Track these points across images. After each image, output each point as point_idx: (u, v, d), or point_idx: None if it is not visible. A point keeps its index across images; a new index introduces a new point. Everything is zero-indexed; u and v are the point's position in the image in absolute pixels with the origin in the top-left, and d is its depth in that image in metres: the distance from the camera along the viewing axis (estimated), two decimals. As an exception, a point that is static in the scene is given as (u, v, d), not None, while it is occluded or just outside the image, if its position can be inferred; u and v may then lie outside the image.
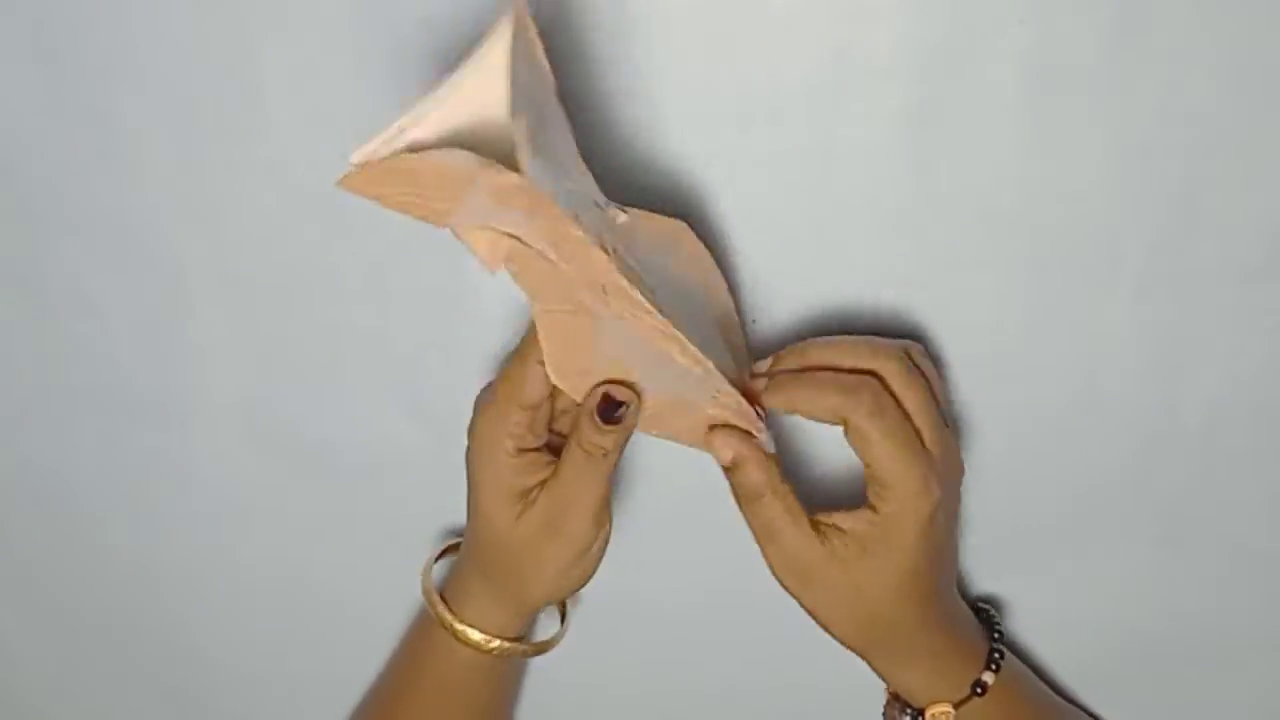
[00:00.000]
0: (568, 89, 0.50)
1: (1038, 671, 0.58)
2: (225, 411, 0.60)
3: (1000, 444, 0.54)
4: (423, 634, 0.57)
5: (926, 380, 0.48)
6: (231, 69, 0.51)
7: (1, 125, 0.54)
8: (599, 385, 0.48)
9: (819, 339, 0.50)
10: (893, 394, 0.47)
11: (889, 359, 0.48)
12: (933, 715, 0.51)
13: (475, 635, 0.54)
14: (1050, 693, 0.57)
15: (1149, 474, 0.55)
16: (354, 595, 0.63)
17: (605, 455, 0.49)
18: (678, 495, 0.57)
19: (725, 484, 0.49)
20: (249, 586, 0.64)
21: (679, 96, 0.49)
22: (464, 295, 0.55)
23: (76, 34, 0.52)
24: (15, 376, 0.61)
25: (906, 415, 0.47)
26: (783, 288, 0.53)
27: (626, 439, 0.49)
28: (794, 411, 0.48)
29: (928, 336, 0.53)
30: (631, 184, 0.51)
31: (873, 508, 0.47)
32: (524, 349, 0.49)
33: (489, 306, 0.55)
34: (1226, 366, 0.52)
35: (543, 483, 0.51)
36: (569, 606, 0.59)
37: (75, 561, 0.65)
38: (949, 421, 0.50)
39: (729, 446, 0.48)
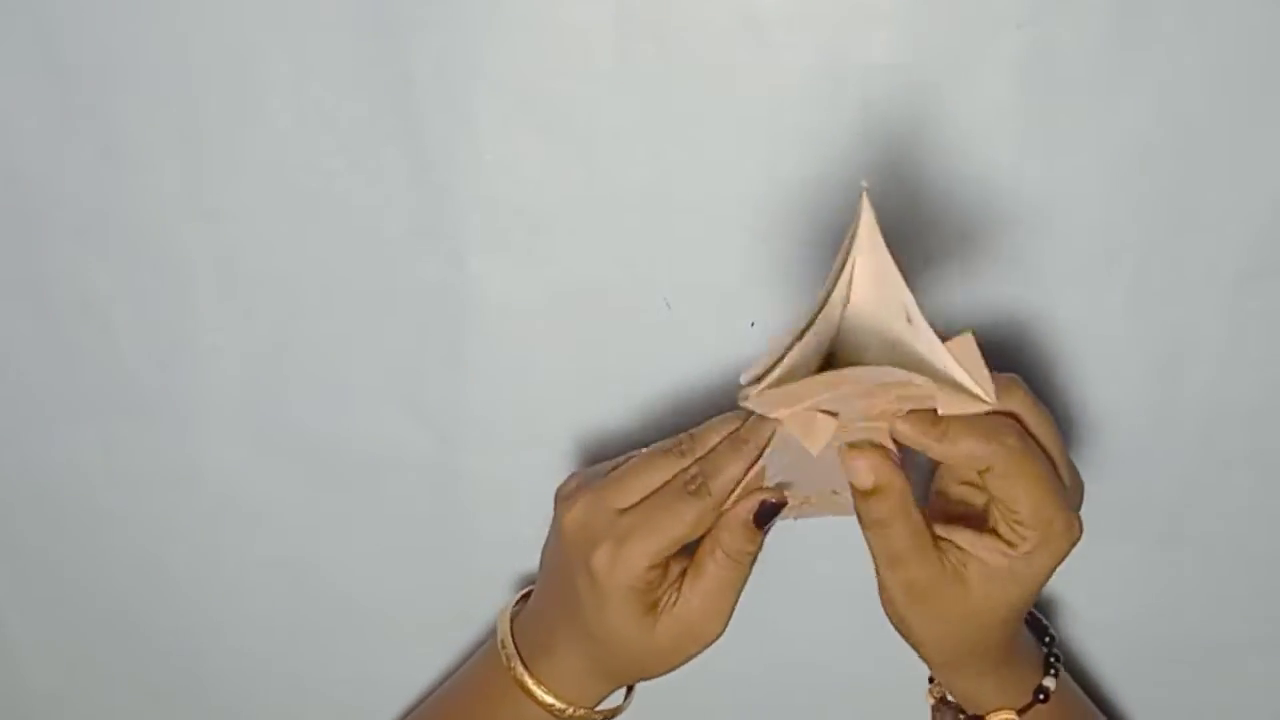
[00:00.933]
0: (567, 87, 0.50)
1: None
2: (229, 412, 0.60)
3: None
4: (491, 677, 0.55)
5: (1051, 412, 0.46)
6: (234, 74, 0.52)
7: (7, 130, 0.54)
8: (753, 492, 0.47)
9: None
10: (1029, 431, 0.45)
11: (1016, 393, 0.45)
12: None
13: (553, 701, 0.52)
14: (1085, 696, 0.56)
15: (1145, 475, 0.55)
16: (357, 595, 0.63)
17: (750, 558, 0.48)
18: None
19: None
20: (253, 586, 0.64)
21: (676, 100, 0.50)
22: (467, 297, 0.55)
23: (82, 41, 0.52)
24: (22, 377, 0.60)
25: (1045, 452, 0.45)
26: (780, 290, 0.53)
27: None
28: (929, 454, 0.45)
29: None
30: (630, 188, 0.51)
31: (1009, 543, 0.45)
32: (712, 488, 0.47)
33: (491, 308, 0.55)
34: (1222, 367, 0.52)
35: (674, 585, 0.49)
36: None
37: (80, 560, 0.65)
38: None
39: (871, 470, 0.45)
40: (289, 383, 0.58)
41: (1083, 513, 0.55)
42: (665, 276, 0.53)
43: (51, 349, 0.60)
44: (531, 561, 0.60)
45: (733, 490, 0.46)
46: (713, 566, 0.48)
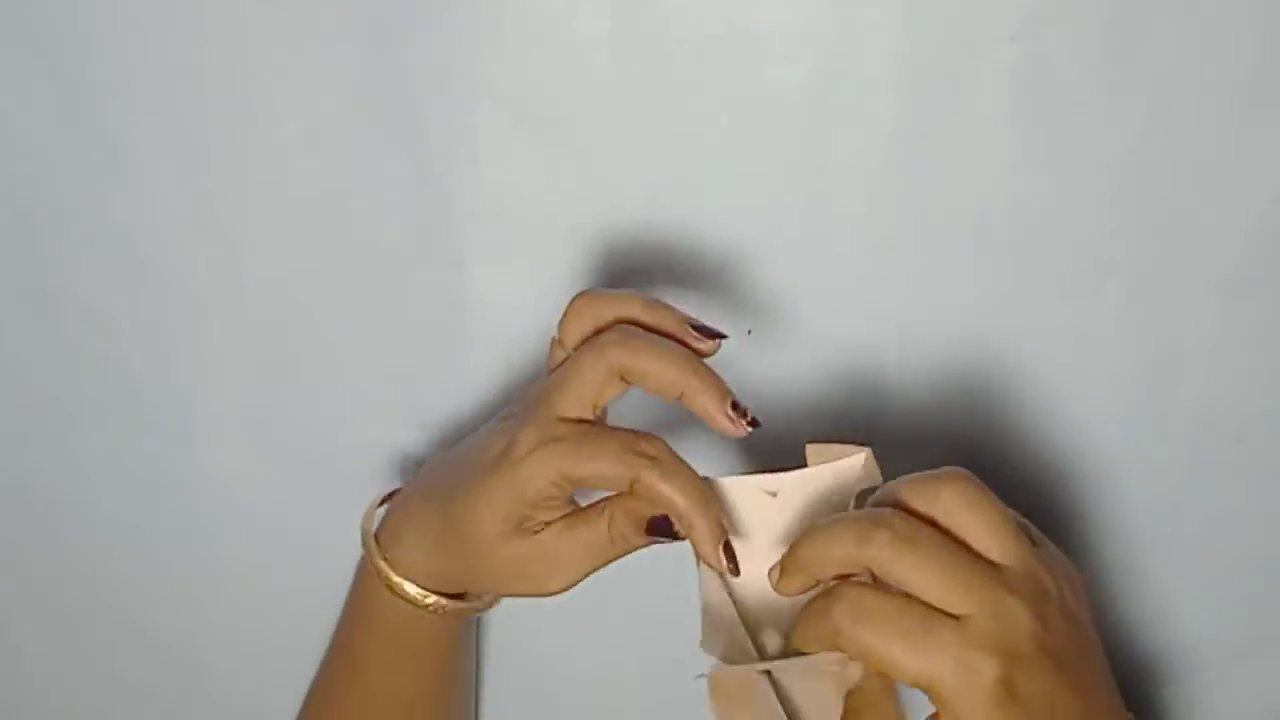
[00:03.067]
0: (566, 99, 0.50)
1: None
2: (230, 421, 0.60)
3: (990, 451, 0.55)
4: (359, 582, 0.53)
5: (938, 533, 0.39)
6: (238, 86, 0.52)
7: (14, 140, 0.55)
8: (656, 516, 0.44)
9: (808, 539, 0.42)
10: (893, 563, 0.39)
11: (873, 537, 0.39)
12: None
13: (416, 592, 0.50)
14: None
15: (1136, 480, 0.55)
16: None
17: (624, 549, 0.46)
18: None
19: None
20: (255, 591, 0.64)
21: (674, 111, 0.50)
22: (466, 306, 0.55)
23: (87, 53, 0.52)
24: (27, 385, 0.61)
25: (907, 596, 0.38)
26: (777, 299, 0.53)
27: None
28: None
29: (917, 346, 0.53)
30: (628, 197, 0.52)
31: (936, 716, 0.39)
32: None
33: (490, 317, 0.55)
34: (1212, 374, 0.52)
35: (548, 524, 0.46)
36: None
37: (84, 565, 0.65)
38: (1032, 538, 0.42)
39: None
40: (291, 390, 0.58)
41: (1070, 518, 0.56)
42: (663, 284, 0.53)
43: (57, 357, 0.60)
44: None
45: (671, 495, 0.44)
46: (589, 528, 0.45)
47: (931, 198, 0.50)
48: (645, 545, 0.45)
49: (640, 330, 0.46)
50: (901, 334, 0.53)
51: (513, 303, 0.55)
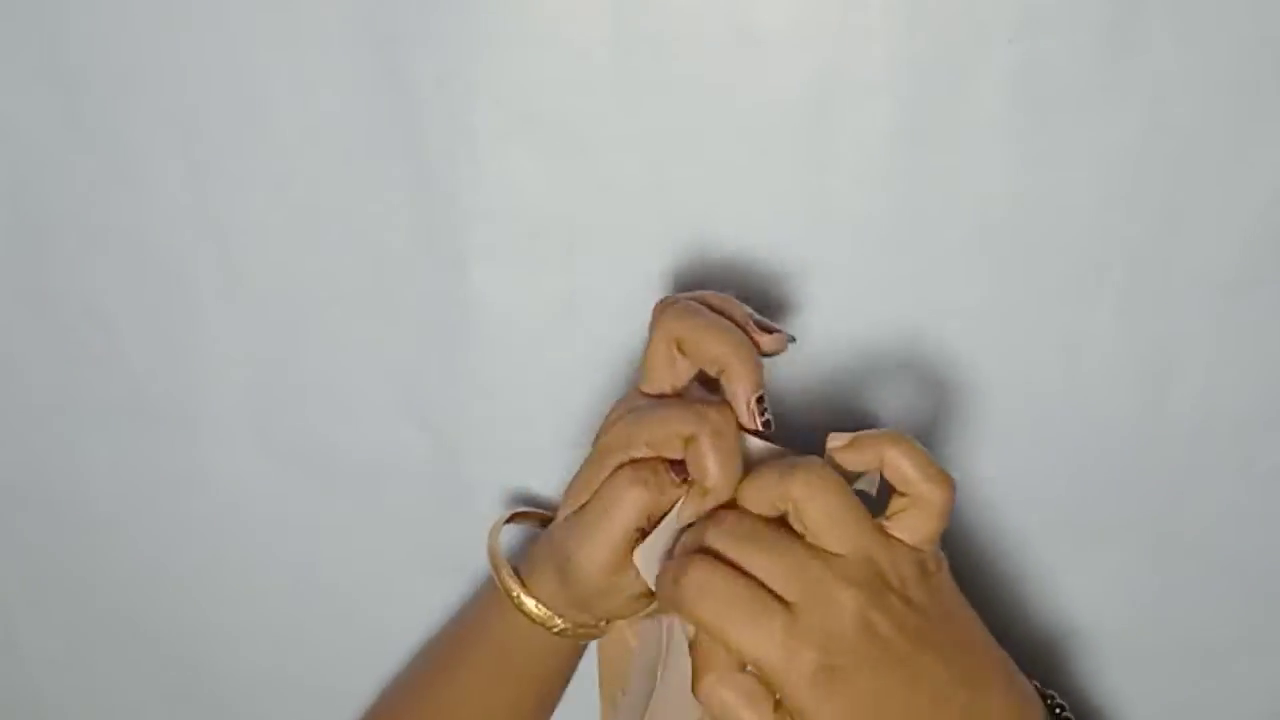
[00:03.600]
0: (566, 101, 0.51)
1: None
2: (233, 419, 0.60)
3: (987, 452, 0.55)
4: (487, 602, 0.54)
5: (776, 523, 0.42)
6: (240, 88, 0.52)
7: (16, 141, 0.55)
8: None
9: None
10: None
11: (712, 528, 0.42)
12: None
13: (539, 611, 0.50)
14: None
15: (1134, 480, 0.55)
16: (360, 599, 0.64)
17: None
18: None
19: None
20: (256, 590, 0.64)
21: (674, 113, 0.50)
22: (468, 305, 0.55)
23: (90, 54, 0.52)
24: (30, 384, 0.61)
25: (745, 575, 0.41)
26: (774, 300, 0.53)
27: None
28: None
29: (917, 347, 0.53)
30: (628, 199, 0.52)
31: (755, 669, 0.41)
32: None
33: (492, 317, 0.55)
34: (1209, 374, 0.52)
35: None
36: None
37: (88, 565, 0.66)
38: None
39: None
40: (293, 390, 0.58)
41: (1067, 518, 0.56)
42: (663, 285, 0.53)
43: (59, 357, 0.60)
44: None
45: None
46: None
47: (930, 198, 0.50)
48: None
49: (702, 307, 0.46)
50: (899, 334, 0.53)
51: (513, 303, 0.55)
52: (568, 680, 0.57)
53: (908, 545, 0.42)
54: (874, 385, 0.54)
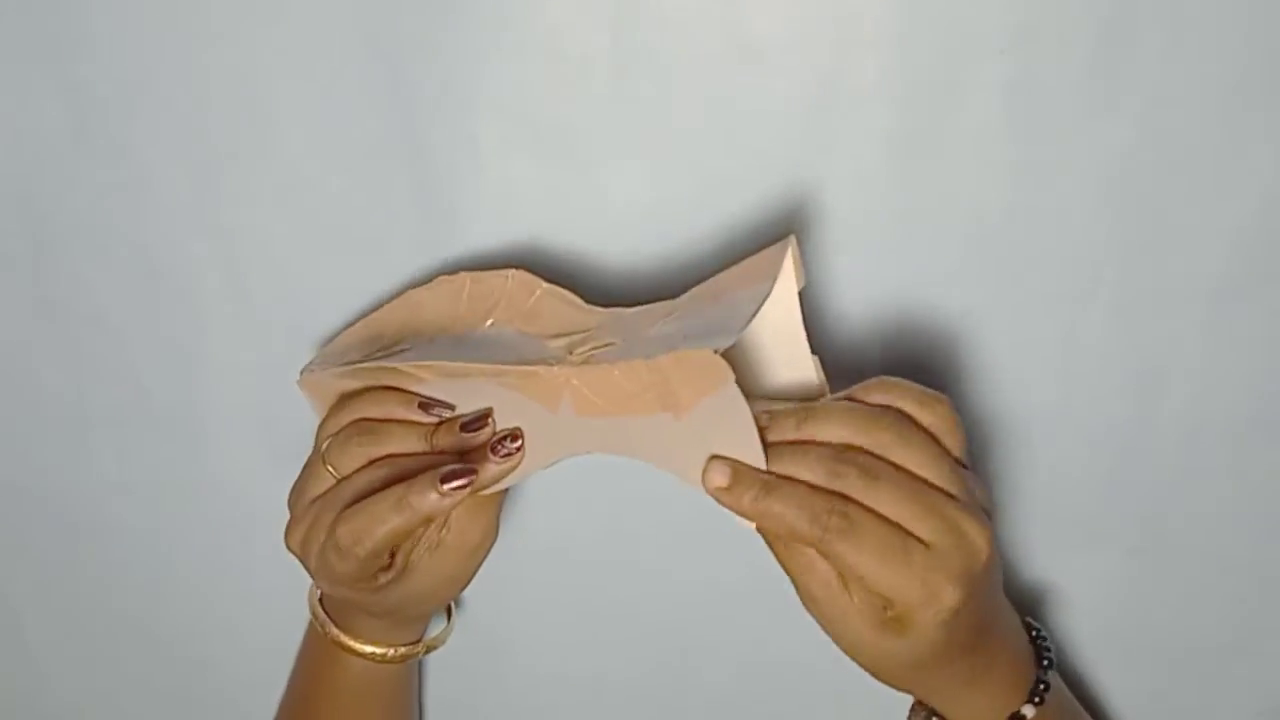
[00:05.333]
0: (566, 110, 0.51)
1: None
2: (237, 425, 0.60)
3: (978, 455, 0.55)
4: (320, 648, 0.57)
5: (928, 444, 0.43)
6: (245, 97, 0.52)
7: (25, 150, 0.55)
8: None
9: (816, 406, 0.44)
10: (887, 462, 0.43)
11: (843, 473, 0.42)
12: None
13: (374, 650, 0.55)
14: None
15: (1125, 484, 0.55)
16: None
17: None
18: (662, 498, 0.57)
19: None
20: (262, 592, 0.65)
21: (672, 123, 0.50)
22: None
23: (97, 64, 0.53)
24: (40, 391, 0.61)
25: (884, 519, 0.42)
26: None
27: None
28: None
29: (911, 352, 0.53)
30: (628, 207, 0.52)
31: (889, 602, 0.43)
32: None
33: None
34: (1200, 378, 0.52)
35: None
36: (452, 605, 0.60)
37: (96, 568, 0.66)
38: (968, 467, 0.44)
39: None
40: (298, 396, 0.58)
41: (1058, 522, 0.56)
42: (663, 293, 0.54)
43: (67, 363, 0.60)
44: (534, 568, 0.61)
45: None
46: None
47: (924, 207, 0.50)
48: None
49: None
50: (894, 341, 0.53)
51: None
52: (417, 691, 0.62)
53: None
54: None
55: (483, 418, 0.48)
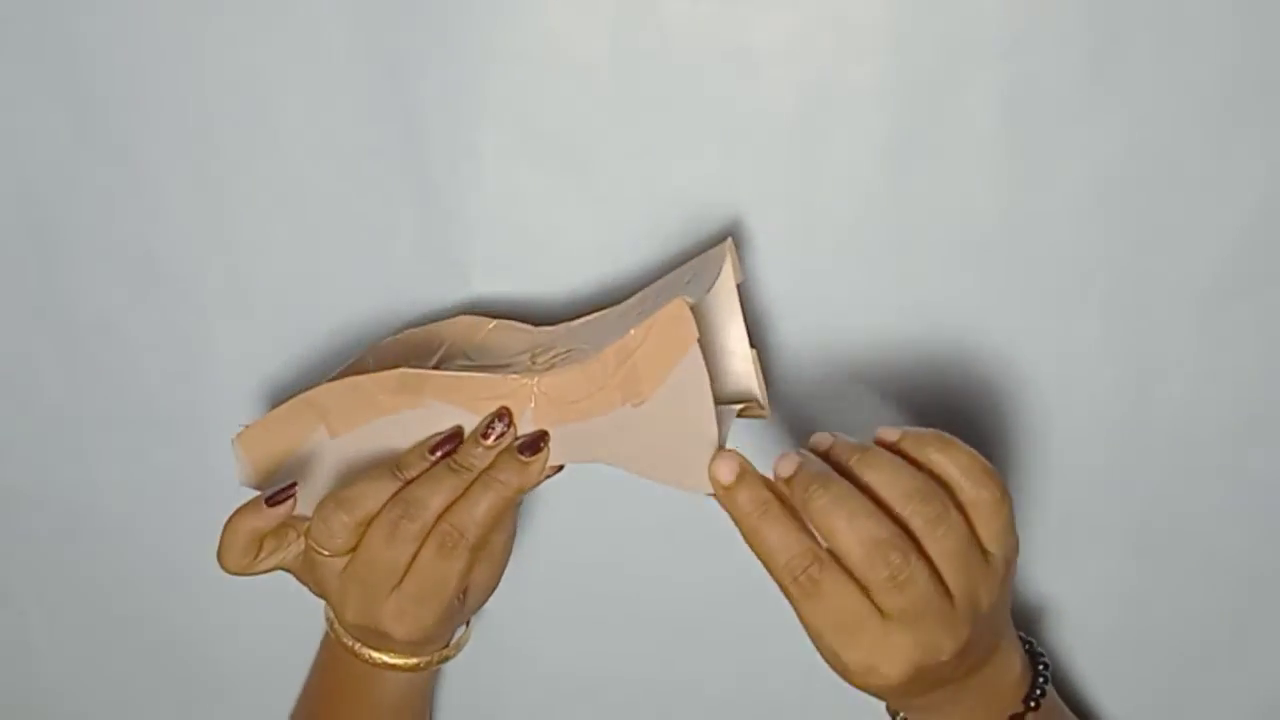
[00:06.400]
0: (566, 117, 0.51)
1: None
2: (239, 427, 0.58)
3: None
4: (344, 666, 0.56)
5: (956, 534, 0.43)
6: (249, 105, 0.52)
7: (31, 157, 0.55)
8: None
9: (871, 451, 0.44)
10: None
11: (921, 503, 0.42)
12: None
13: (410, 662, 0.54)
14: None
15: (1119, 485, 0.55)
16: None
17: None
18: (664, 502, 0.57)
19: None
20: (266, 592, 0.62)
21: (671, 128, 0.51)
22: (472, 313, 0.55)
23: (102, 72, 0.53)
24: (44, 395, 0.61)
25: (856, 588, 0.42)
26: (768, 311, 0.53)
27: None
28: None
29: (905, 357, 0.54)
30: (628, 212, 0.52)
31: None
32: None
33: (494, 326, 0.55)
34: (1192, 381, 0.53)
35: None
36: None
37: (100, 569, 0.66)
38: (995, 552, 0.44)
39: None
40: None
41: (1055, 524, 0.56)
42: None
43: (71, 366, 0.60)
44: (540, 564, 0.61)
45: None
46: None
47: (920, 211, 0.51)
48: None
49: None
50: (889, 344, 0.54)
51: (514, 312, 0.55)
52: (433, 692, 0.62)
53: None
54: (862, 395, 0.55)
55: (452, 437, 0.49)
